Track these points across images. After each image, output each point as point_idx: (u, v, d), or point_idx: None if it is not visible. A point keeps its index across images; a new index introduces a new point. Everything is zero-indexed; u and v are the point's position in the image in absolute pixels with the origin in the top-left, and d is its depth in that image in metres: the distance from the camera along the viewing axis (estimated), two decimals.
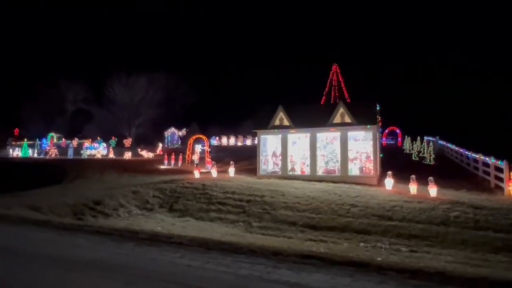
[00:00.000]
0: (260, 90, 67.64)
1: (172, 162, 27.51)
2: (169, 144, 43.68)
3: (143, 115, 50.27)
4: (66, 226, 9.23)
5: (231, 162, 21.15)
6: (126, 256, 6.65)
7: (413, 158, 27.18)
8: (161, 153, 35.05)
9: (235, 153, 31.25)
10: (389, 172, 16.32)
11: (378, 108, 20.02)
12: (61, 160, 30.83)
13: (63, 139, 41.49)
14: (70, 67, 74.54)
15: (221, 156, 28.80)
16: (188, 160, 28.47)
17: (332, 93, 42.06)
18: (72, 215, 12.99)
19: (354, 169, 18.89)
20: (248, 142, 40.32)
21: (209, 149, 28.69)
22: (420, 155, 27.96)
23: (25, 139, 39.82)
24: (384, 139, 36.99)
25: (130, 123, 50.17)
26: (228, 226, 12.92)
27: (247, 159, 25.82)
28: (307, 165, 19.76)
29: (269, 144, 21.48)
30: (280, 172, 20.19)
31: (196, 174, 19.94)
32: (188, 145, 29.80)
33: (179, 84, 51.22)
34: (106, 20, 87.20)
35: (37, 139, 39.67)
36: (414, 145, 30.88)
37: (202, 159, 27.34)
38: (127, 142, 40.25)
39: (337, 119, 18.90)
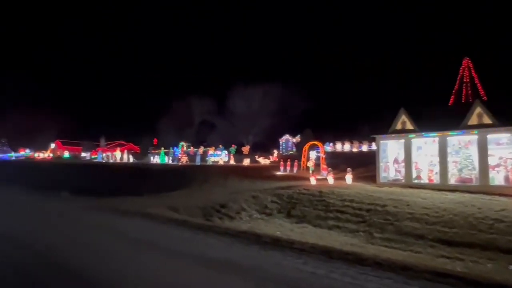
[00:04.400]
0: (376, 93, 64.02)
1: (288, 168, 28.07)
2: (284, 150, 44.73)
3: (259, 124, 52.90)
4: (199, 226, 10.31)
5: (348, 169, 20.48)
6: (253, 258, 7.05)
7: None
8: (277, 159, 36.16)
9: (350, 159, 30.06)
10: None
11: None
12: (190, 166, 34.61)
13: (191, 147, 46.48)
14: (197, 83, 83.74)
15: (336, 163, 28.10)
16: (303, 167, 28.68)
17: (464, 91, 37.11)
18: (202, 216, 14.42)
19: (497, 178, 16.23)
20: (364, 148, 38.39)
21: (324, 156, 28.40)
22: None
23: (162, 148, 45.94)
24: None
25: (248, 132, 53.37)
26: (347, 235, 12.53)
27: (363, 165, 24.60)
28: (436, 173, 17.80)
29: (389, 149, 20.12)
30: (403, 180, 18.67)
31: (312, 181, 19.94)
32: (303, 152, 30.03)
33: (293, 92, 52.35)
34: (223, 39, 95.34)
35: (171, 148, 45.35)
36: None
37: (317, 165, 27.21)
38: (245, 149, 42.87)
39: (473, 120, 16.58)
